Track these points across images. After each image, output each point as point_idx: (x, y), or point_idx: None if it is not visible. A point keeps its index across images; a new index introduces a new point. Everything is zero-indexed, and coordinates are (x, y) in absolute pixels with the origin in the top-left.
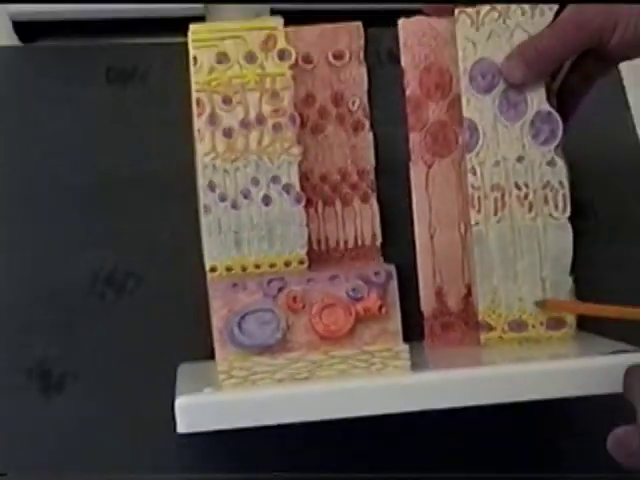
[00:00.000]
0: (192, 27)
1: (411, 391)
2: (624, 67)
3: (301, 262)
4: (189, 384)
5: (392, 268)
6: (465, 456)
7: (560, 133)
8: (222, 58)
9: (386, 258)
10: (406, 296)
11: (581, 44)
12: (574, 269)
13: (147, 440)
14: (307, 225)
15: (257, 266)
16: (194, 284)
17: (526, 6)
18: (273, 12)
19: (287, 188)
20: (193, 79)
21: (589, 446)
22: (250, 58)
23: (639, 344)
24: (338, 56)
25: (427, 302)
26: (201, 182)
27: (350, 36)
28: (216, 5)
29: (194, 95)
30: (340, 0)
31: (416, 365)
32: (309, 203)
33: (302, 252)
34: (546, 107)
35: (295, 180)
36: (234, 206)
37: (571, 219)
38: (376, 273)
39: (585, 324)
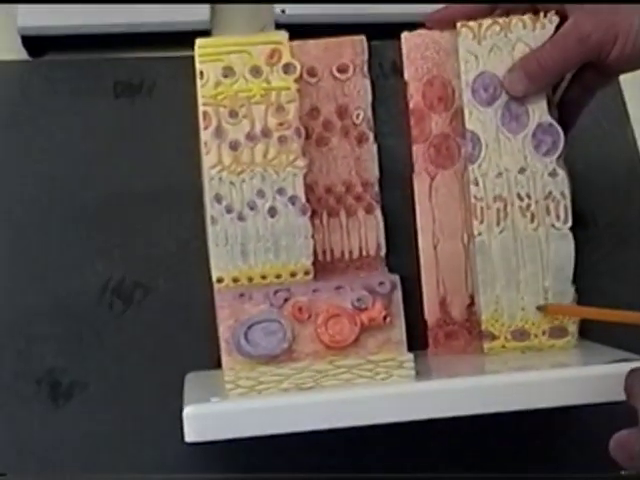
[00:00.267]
0: (198, 42)
1: (415, 400)
2: (624, 79)
3: (307, 273)
4: (196, 393)
5: (396, 278)
6: (466, 461)
7: (562, 144)
8: (228, 72)
9: (390, 268)
10: (410, 305)
11: (582, 57)
12: (576, 278)
13: (155, 449)
14: (312, 236)
15: (263, 277)
16: (201, 295)
17: (527, 20)
18: (278, 26)
19: (293, 200)
20: (199, 93)
21: (592, 453)
22: (256, 72)
23: None
24: (342, 69)
25: (431, 311)
26: (208, 194)
27: (354, 49)
28: (222, 19)
29: (200, 109)
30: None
31: (420, 374)
32: (314, 214)
33: (308, 263)
34: (547, 119)
35: (300, 192)
36: (240, 218)
37: (572, 229)
38: (381, 283)
39: (587, 333)
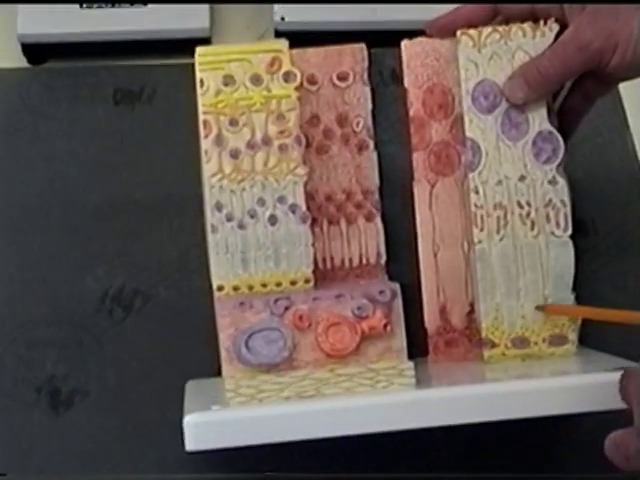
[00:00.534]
0: (198, 50)
1: (416, 408)
2: (624, 87)
3: (307, 281)
4: (197, 402)
5: (397, 286)
6: (465, 468)
7: (562, 152)
8: (228, 80)
9: (390, 276)
10: (410, 313)
11: (582, 66)
12: (575, 286)
13: (155, 457)
14: (312, 244)
15: (264, 285)
16: (201, 302)
17: (527, 27)
18: (277, 33)
19: (293, 208)
20: (200, 101)
21: (592, 461)
22: (256, 80)
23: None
24: (342, 77)
25: (431, 319)
26: (208, 202)
27: (354, 57)
28: (221, 26)
29: (201, 117)
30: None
31: (420, 382)
32: (314, 222)
33: (308, 271)
34: (547, 127)
35: (301, 200)
36: (241, 226)
37: (572, 237)
38: (381, 292)
39: (587, 340)
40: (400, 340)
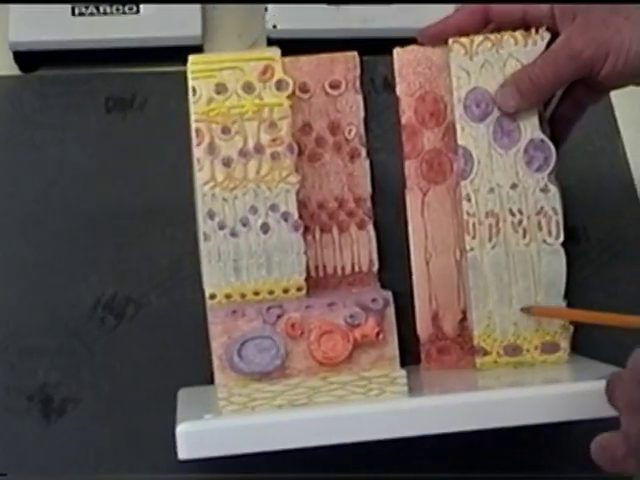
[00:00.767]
0: (191, 58)
1: (408, 416)
2: (615, 95)
3: (299, 289)
4: (190, 410)
5: (389, 294)
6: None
7: (553, 160)
8: (220, 88)
9: (383, 283)
10: (403, 321)
11: (573, 74)
12: (567, 294)
13: (148, 465)
14: (305, 252)
15: (256, 293)
16: (193, 311)
17: (519, 36)
18: (269, 41)
19: (285, 216)
20: (192, 109)
21: (582, 468)
22: (248, 88)
23: None
24: (334, 85)
25: (423, 327)
26: (200, 210)
27: (346, 65)
28: (213, 34)
29: (193, 125)
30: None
31: (413, 390)
32: (307, 230)
33: (300, 279)
34: (539, 135)
35: (293, 208)
36: (233, 234)
37: (564, 244)
38: (373, 300)
39: (578, 348)
40: (392, 348)
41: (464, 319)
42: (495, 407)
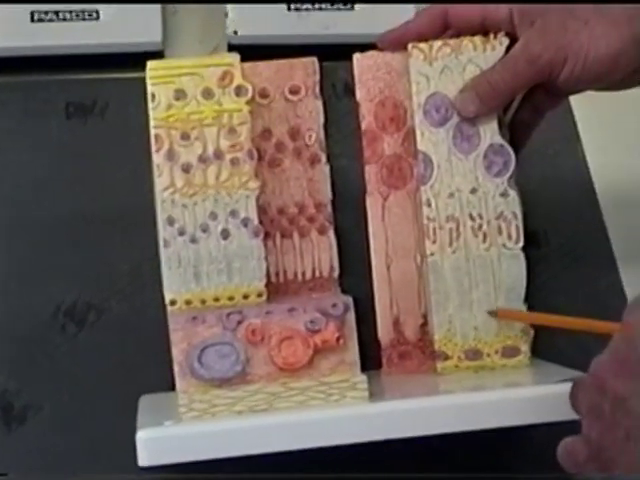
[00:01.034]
0: (149, 64)
1: (369, 421)
2: (575, 99)
3: (260, 295)
4: (150, 417)
5: (349, 300)
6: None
7: (513, 165)
8: (180, 94)
9: (344, 289)
10: (364, 326)
11: (532, 78)
12: (528, 297)
13: (109, 472)
14: (265, 258)
15: (216, 299)
16: (155, 317)
17: (478, 41)
18: (230, 47)
19: (245, 222)
20: (151, 115)
21: (545, 471)
22: (207, 94)
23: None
24: (294, 91)
25: (384, 332)
26: (160, 217)
27: (305, 71)
28: (174, 40)
29: (152, 131)
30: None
31: (374, 395)
32: (267, 236)
33: (260, 285)
34: (499, 140)
35: (253, 214)
36: (193, 240)
37: (524, 249)
38: (334, 305)
39: (539, 352)
40: (353, 353)
41: (425, 324)
42: (456, 411)
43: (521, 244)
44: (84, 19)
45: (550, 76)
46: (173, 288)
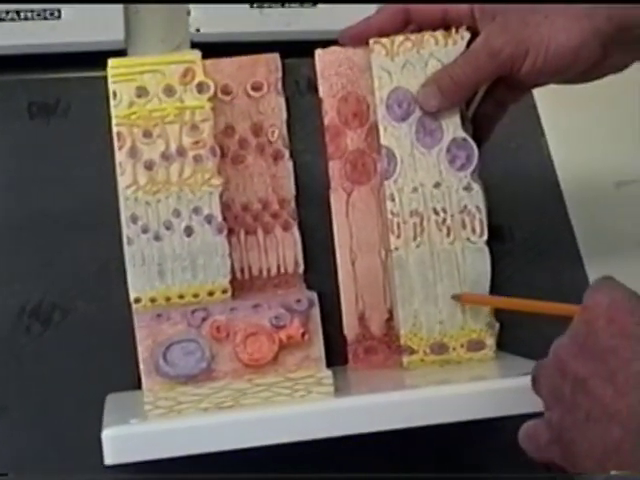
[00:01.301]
0: (110, 62)
1: (335, 416)
2: (538, 92)
3: (224, 291)
4: (116, 415)
5: (314, 295)
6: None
7: (476, 159)
8: (141, 92)
9: (309, 285)
10: (329, 321)
11: (493, 72)
12: (492, 291)
13: (76, 471)
14: (230, 254)
15: (181, 296)
16: (120, 315)
17: (439, 36)
18: (193, 44)
19: (209, 219)
20: (113, 113)
21: (512, 463)
22: (169, 91)
23: None
24: (256, 87)
25: (350, 327)
26: (123, 214)
27: (268, 67)
28: (137, 38)
29: (114, 129)
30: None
31: (339, 390)
32: (231, 232)
33: (225, 281)
34: (461, 134)
35: (217, 210)
36: (156, 238)
37: (489, 243)
38: (298, 301)
39: (504, 345)
40: (318, 349)
41: (390, 318)
42: (422, 405)
43: (485, 238)
44: (46, 18)
45: (512, 69)
46: (137, 286)
